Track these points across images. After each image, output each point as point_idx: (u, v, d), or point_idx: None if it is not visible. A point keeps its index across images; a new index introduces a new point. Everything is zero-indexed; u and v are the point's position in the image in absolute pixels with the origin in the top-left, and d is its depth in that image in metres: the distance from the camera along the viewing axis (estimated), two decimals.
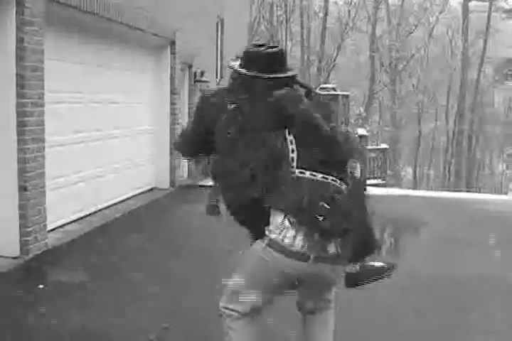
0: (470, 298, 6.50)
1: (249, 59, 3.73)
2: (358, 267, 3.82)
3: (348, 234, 3.42)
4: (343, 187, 3.47)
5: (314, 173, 3.42)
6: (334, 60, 42.74)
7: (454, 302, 6.33)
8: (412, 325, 5.67)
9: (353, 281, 3.87)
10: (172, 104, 13.00)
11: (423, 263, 7.80)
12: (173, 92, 12.99)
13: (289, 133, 3.46)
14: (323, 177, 3.43)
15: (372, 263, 3.90)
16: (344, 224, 3.39)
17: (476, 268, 7.57)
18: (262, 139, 3.45)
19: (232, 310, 3.69)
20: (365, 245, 3.62)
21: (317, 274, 3.56)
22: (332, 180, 3.44)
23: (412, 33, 44.88)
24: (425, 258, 8.07)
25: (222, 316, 3.74)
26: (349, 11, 43.14)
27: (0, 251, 7.29)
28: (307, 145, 3.44)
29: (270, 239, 3.47)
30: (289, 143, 3.45)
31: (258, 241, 3.59)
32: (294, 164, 3.42)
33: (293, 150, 3.44)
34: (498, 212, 11.76)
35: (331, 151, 3.49)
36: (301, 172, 3.41)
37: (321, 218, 3.35)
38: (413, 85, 47.51)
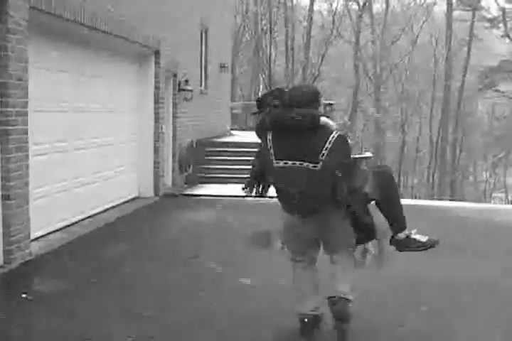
0: (453, 301, 6.53)
1: None
2: (402, 236, 5.42)
3: (321, 200, 4.98)
4: (311, 165, 4.85)
5: (286, 161, 4.93)
6: (318, 69, 42.85)
7: (439, 304, 6.35)
8: (397, 326, 5.70)
9: (398, 246, 5.49)
10: (156, 112, 12.98)
11: (410, 268, 7.82)
12: (157, 101, 12.97)
13: (268, 137, 5.06)
14: (292, 163, 4.91)
15: (416, 236, 5.47)
16: (308, 204, 4.99)
17: (461, 273, 7.60)
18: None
19: (291, 259, 5.51)
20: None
21: (304, 227, 5.18)
22: (299, 164, 4.89)
23: (395, 41, 45.07)
24: (410, 264, 8.09)
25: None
26: (333, 20, 43.28)
27: None
28: (280, 144, 4.99)
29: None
30: (269, 143, 5.03)
31: None
32: (273, 157, 4.98)
33: (271, 147, 5.01)
34: (481, 220, 11.80)
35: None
36: (277, 162, 4.98)
37: (295, 201, 5.01)
38: (397, 94, 47.69)
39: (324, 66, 43.90)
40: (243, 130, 26.47)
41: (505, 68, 40.67)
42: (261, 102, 5.41)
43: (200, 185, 15.50)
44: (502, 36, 43.75)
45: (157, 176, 13.15)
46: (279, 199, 5.23)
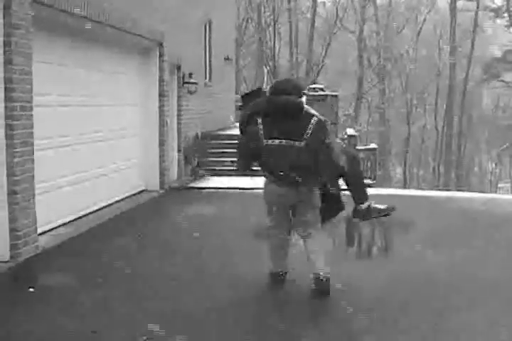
0: (454, 296, 6.53)
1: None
2: (364, 206, 6.62)
3: (303, 173, 6.08)
4: (297, 143, 6.02)
5: (274, 140, 6.08)
6: (323, 61, 42.78)
7: (440, 300, 6.36)
8: (397, 321, 5.71)
9: (361, 216, 6.71)
10: (161, 106, 12.97)
11: (411, 261, 7.84)
12: (161, 94, 12.96)
13: (259, 120, 6.17)
14: (280, 142, 6.07)
15: (376, 205, 6.65)
16: (293, 174, 6.07)
17: (462, 267, 7.61)
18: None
19: (269, 230, 6.69)
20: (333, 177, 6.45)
21: (285, 194, 6.24)
22: (286, 142, 6.05)
23: (400, 32, 44.95)
24: (413, 257, 8.10)
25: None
26: (337, 12, 43.16)
27: None
28: (269, 125, 6.11)
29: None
30: (259, 125, 6.15)
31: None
32: (263, 136, 6.11)
33: (261, 129, 6.14)
34: (486, 211, 11.79)
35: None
36: (266, 141, 6.10)
37: (281, 173, 6.12)
38: (402, 85, 47.62)
39: (328, 57, 43.80)
40: None
41: (509, 58, 40.56)
42: (246, 98, 6.76)
43: (205, 177, 15.50)
44: (506, 26, 43.61)
45: (162, 169, 13.15)
46: (268, 173, 6.32)
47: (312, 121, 6.06)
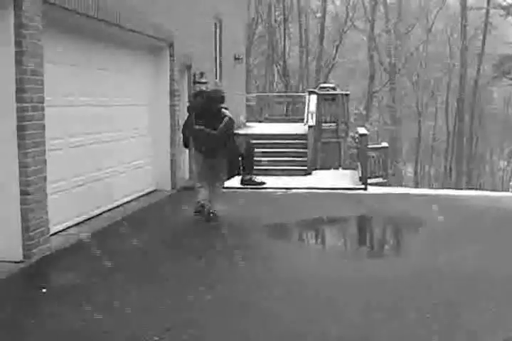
0: (468, 292, 6.50)
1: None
2: (248, 177, 10.26)
3: (215, 149, 9.76)
4: (213, 131, 9.53)
5: (200, 126, 9.60)
6: (333, 60, 42.73)
7: (453, 296, 6.34)
8: (413, 319, 5.68)
9: (244, 183, 10.34)
10: (172, 105, 12.98)
11: (424, 258, 7.83)
12: (172, 94, 12.97)
13: (193, 113, 9.86)
14: (204, 127, 9.57)
15: (256, 178, 10.41)
16: (213, 147, 9.70)
17: (475, 263, 7.58)
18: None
19: (198, 185, 10.24)
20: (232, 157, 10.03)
21: (207, 161, 9.84)
22: (207, 129, 9.55)
23: (410, 30, 44.84)
24: (426, 254, 8.09)
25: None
26: (347, 10, 43.10)
27: (3, 256, 7.28)
28: (198, 117, 9.67)
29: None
30: (193, 115, 9.77)
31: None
32: (194, 123, 9.65)
33: (194, 118, 9.67)
34: (497, 209, 11.77)
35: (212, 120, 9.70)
36: (195, 126, 9.64)
37: (203, 148, 9.82)
38: (412, 83, 47.52)
39: (339, 56, 43.74)
40: (259, 122, 26.41)
41: None
42: (193, 97, 10.33)
43: None
44: None
45: (174, 169, 13.15)
46: (195, 147, 9.93)
47: (225, 119, 9.63)
